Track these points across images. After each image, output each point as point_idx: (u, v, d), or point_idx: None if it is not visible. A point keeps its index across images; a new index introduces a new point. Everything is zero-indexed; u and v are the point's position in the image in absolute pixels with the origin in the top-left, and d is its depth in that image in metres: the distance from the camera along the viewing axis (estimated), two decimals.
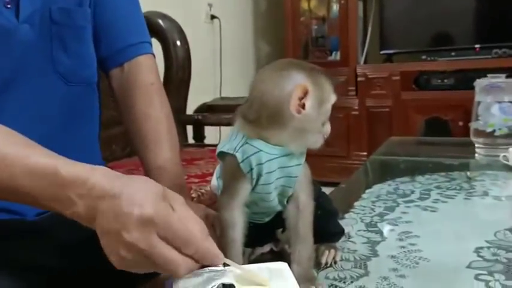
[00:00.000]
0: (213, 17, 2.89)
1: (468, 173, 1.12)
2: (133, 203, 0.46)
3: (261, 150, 0.54)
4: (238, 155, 0.54)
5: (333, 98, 0.55)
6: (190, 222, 0.48)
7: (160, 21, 1.94)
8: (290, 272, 0.52)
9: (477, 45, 2.85)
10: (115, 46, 0.84)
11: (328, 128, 0.56)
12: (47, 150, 0.54)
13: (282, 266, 0.53)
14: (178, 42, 1.96)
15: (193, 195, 1.33)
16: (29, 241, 0.71)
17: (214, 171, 0.66)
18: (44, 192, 0.51)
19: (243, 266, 0.55)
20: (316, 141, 0.55)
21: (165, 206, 0.47)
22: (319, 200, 0.60)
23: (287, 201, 0.59)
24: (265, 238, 0.68)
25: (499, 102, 1.34)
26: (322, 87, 0.54)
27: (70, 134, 0.78)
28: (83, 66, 0.79)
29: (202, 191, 1.37)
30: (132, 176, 0.51)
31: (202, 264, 0.50)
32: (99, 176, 0.49)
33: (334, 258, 0.64)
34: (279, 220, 0.61)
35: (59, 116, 0.76)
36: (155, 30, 1.87)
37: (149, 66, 0.86)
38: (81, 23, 0.78)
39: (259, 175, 0.55)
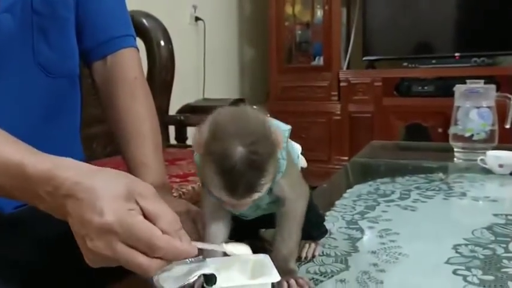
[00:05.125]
0: (197, 18, 2.89)
1: (440, 174, 1.15)
2: (94, 209, 0.45)
3: None
4: None
5: None
6: (158, 220, 0.46)
7: (144, 20, 1.92)
8: (272, 263, 0.52)
9: (457, 54, 2.90)
10: (98, 38, 0.82)
11: None
12: (13, 140, 0.53)
13: (264, 257, 0.53)
14: (162, 42, 1.95)
15: (175, 194, 1.33)
16: (4, 235, 0.70)
17: (195, 171, 0.66)
18: (15, 185, 0.50)
19: (224, 258, 0.55)
20: None
21: (127, 209, 0.46)
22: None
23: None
24: (247, 234, 0.68)
25: (478, 107, 1.37)
26: None
27: (51, 126, 0.77)
28: (64, 58, 0.78)
29: (184, 190, 1.37)
30: (97, 171, 0.49)
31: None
32: (64, 174, 0.48)
33: (313, 252, 0.64)
34: (263, 220, 0.61)
35: (40, 108, 0.75)
36: (139, 30, 1.85)
37: (133, 60, 0.85)
38: (64, 14, 0.76)
39: None
